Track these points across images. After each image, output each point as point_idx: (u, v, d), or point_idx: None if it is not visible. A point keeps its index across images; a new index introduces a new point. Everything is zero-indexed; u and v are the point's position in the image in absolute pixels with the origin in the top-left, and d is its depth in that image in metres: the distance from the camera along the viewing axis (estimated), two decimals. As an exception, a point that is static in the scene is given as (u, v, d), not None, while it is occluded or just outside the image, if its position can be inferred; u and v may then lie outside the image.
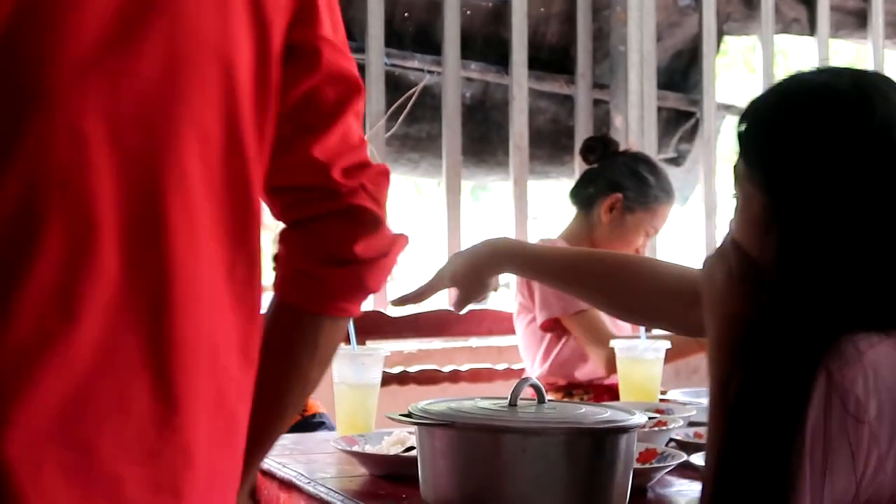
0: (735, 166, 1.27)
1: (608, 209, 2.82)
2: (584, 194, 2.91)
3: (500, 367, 3.18)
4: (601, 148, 2.92)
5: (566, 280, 1.76)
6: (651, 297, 1.67)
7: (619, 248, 2.78)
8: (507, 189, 3.77)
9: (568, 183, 4.00)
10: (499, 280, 1.86)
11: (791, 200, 1.17)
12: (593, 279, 1.73)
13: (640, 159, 2.93)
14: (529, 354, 2.92)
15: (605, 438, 1.44)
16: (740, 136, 1.26)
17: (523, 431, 1.43)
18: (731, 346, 1.21)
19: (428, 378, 3.08)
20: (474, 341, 3.57)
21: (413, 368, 3.09)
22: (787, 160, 1.19)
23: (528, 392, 1.52)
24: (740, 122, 1.27)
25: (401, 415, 1.52)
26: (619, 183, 2.83)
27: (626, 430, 1.45)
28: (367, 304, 3.38)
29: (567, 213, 3.02)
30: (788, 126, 1.21)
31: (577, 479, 1.42)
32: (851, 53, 6.92)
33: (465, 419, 1.46)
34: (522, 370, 3.12)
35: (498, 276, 1.85)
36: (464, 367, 3.14)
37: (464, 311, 1.91)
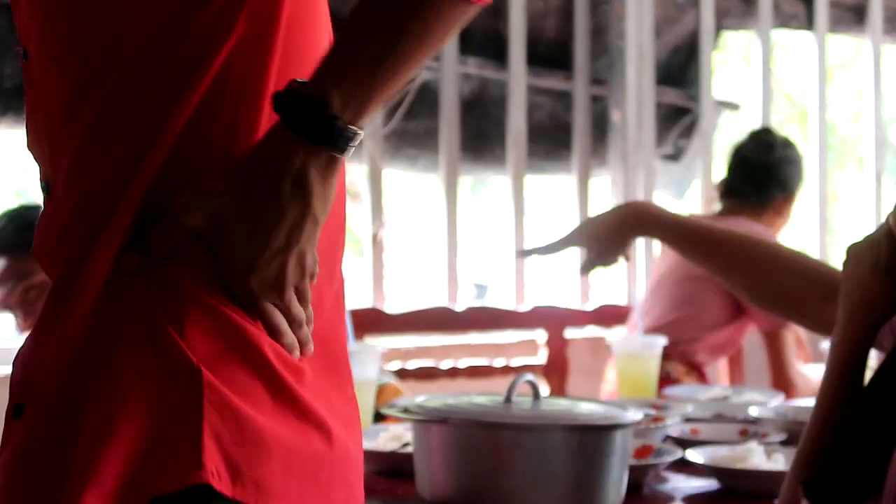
0: None
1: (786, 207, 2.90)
2: (757, 189, 2.93)
3: (499, 363, 3.18)
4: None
5: (706, 252, 1.72)
6: (790, 284, 1.64)
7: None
8: (506, 184, 3.77)
9: (566, 178, 4.00)
10: (633, 246, 1.83)
11: None
12: (735, 258, 1.68)
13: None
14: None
15: (600, 435, 1.45)
16: None
17: (518, 428, 1.44)
18: (861, 336, 1.21)
19: (426, 374, 3.08)
20: (473, 338, 3.57)
21: (411, 365, 3.08)
22: None
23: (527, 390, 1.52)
24: None
25: (397, 411, 1.53)
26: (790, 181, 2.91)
27: (621, 426, 1.45)
28: (366, 301, 3.39)
29: (567, 207, 3.02)
30: None
31: (573, 475, 1.43)
32: (850, 49, 6.92)
33: (460, 415, 1.46)
34: (521, 367, 3.12)
35: (634, 239, 1.82)
36: (462, 364, 3.14)
37: (588, 274, 1.90)
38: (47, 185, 1.03)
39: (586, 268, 1.87)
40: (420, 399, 1.56)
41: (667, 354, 2.55)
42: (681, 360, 2.79)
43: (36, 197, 1.22)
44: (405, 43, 0.97)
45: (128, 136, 0.96)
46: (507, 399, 1.49)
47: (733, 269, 1.70)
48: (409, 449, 1.67)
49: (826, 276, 1.58)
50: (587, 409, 1.51)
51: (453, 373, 3.10)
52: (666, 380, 2.63)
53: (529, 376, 1.53)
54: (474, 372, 3.11)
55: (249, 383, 0.94)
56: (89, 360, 0.93)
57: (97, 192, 0.96)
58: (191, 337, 0.93)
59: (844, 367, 1.23)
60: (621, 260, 1.88)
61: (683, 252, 1.76)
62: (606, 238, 1.82)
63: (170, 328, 0.92)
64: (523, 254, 1.97)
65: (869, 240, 1.26)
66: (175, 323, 0.93)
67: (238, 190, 0.95)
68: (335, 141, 0.95)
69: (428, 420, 1.47)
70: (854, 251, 1.27)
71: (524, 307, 3.37)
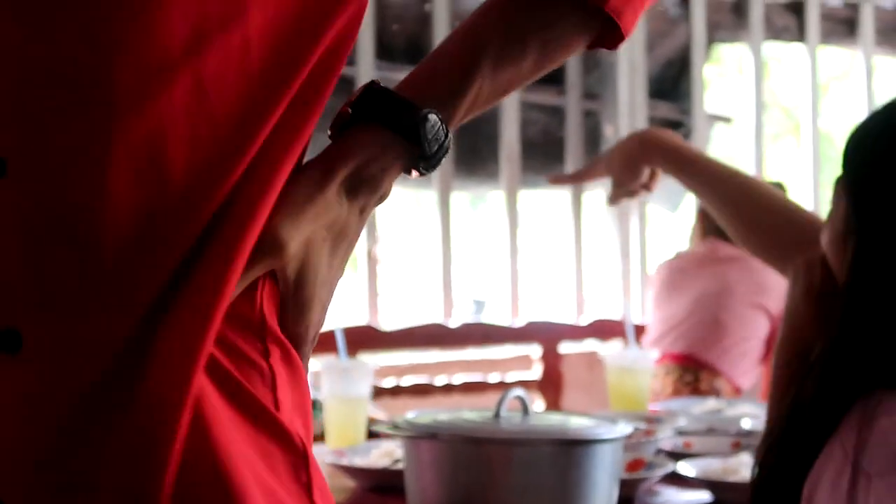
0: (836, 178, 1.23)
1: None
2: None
3: (493, 379, 3.18)
4: None
5: (704, 185, 1.67)
6: (777, 230, 1.60)
7: None
8: (500, 199, 3.77)
9: (559, 192, 4.01)
10: (656, 174, 1.79)
11: (871, 208, 1.13)
12: (729, 195, 1.62)
13: None
14: None
15: (589, 449, 1.44)
16: (845, 144, 1.22)
17: (508, 443, 1.43)
18: (792, 358, 1.20)
19: (420, 391, 3.07)
20: (468, 354, 3.58)
21: (406, 381, 3.08)
22: (874, 164, 1.15)
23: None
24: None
25: (387, 427, 1.52)
26: None
27: (610, 440, 1.45)
28: (361, 318, 3.39)
29: (561, 222, 3.03)
30: (883, 132, 1.17)
31: (563, 489, 1.42)
32: (842, 61, 6.94)
33: (449, 431, 1.46)
34: (516, 383, 3.12)
35: (645, 168, 1.78)
36: (456, 380, 3.14)
37: (615, 205, 1.89)
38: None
39: (611, 199, 1.87)
40: (410, 415, 1.55)
41: (717, 372, 2.65)
42: (728, 381, 2.88)
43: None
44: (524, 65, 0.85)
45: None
46: (497, 414, 1.49)
47: (726, 205, 1.67)
48: (401, 465, 1.66)
49: (812, 229, 1.55)
50: (577, 424, 1.51)
51: (448, 389, 3.10)
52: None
53: (519, 391, 1.52)
54: (469, 388, 3.11)
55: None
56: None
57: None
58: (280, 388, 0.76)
59: (779, 388, 1.24)
60: (644, 194, 1.85)
61: (683, 181, 1.73)
62: (620, 167, 1.80)
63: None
64: (553, 180, 1.94)
65: (809, 260, 1.25)
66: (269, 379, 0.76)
67: (328, 211, 0.78)
68: (435, 151, 0.82)
69: (418, 436, 1.47)
70: (795, 269, 1.26)
71: (518, 322, 3.37)
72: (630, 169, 1.78)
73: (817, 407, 1.12)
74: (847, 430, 1.07)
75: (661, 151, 1.74)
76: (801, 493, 1.10)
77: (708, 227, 3.01)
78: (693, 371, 2.88)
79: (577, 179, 1.96)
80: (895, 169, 1.13)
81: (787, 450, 1.14)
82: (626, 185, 1.81)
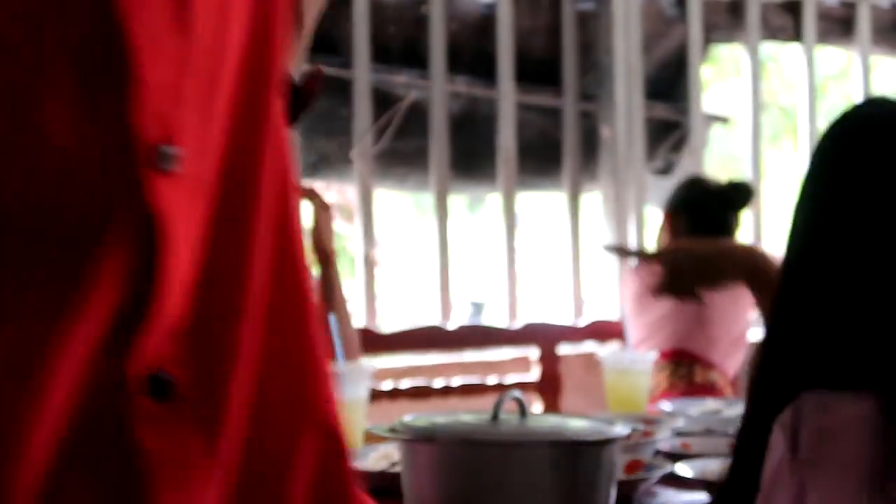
0: None
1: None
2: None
3: (491, 381, 3.17)
4: None
5: None
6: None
7: None
8: (497, 202, 3.77)
9: (557, 195, 4.00)
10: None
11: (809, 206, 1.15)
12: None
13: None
14: None
15: (586, 450, 1.44)
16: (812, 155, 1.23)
17: (504, 445, 1.43)
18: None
19: (419, 394, 3.07)
20: (466, 356, 3.57)
21: (404, 384, 3.08)
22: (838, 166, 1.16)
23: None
24: None
25: (383, 431, 1.52)
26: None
27: (607, 441, 1.44)
28: (359, 321, 3.38)
29: (558, 223, 3.03)
30: (836, 143, 1.18)
31: (560, 491, 1.42)
32: (839, 60, 6.93)
33: (446, 434, 1.45)
34: (514, 385, 3.12)
35: None
36: (455, 383, 3.13)
37: None
38: None
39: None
40: (407, 418, 1.55)
41: (710, 365, 2.66)
42: (721, 373, 2.90)
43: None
44: None
45: None
46: (494, 417, 1.49)
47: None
48: (398, 468, 1.66)
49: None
50: (574, 425, 1.51)
51: (446, 391, 3.10)
52: (711, 390, 2.75)
53: (517, 393, 1.52)
54: (467, 390, 3.11)
55: None
56: None
57: None
58: None
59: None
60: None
61: None
62: None
63: None
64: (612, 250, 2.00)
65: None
66: None
67: None
68: None
69: (414, 439, 1.46)
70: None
71: (516, 324, 3.36)
72: None
73: (757, 406, 1.15)
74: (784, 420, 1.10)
75: None
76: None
77: (678, 227, 3.01)
78: (686, 365, 2.89)
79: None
80: (859, 169, 1.14)
81: (742, 449, 1.17)
82: None
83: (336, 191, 6.95)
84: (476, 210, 13.21)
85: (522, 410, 1.53)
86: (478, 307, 10.20)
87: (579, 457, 1.44)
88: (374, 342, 3.02)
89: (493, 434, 1.45)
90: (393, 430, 1.49)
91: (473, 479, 1.41)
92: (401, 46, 3.66)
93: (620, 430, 1.48)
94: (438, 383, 3.13)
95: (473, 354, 3.57)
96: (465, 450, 1.43)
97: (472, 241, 12.34)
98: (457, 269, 3.74)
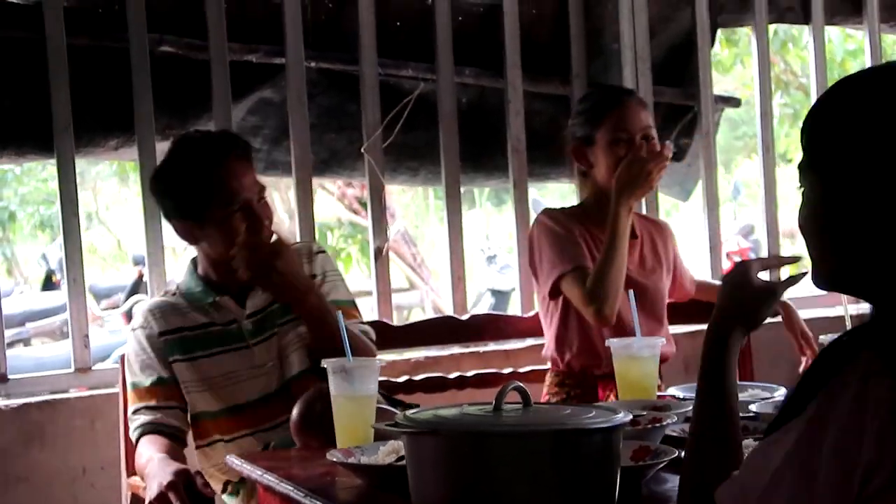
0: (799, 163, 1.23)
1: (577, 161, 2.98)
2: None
3: (507, 370, 3.18)
4: None
5: None
6: None
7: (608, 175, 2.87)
8: (508, 191, 3.77)
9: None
10: None
11: (845, 179, 1.14)
12: None
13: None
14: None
15: (589, 439, 1.45)
16: (802, 130, 1.22)
17: (507, 435, 1.44)
18: None
19: (434, 385, 3.08)
20: (482, 346, 3.58)
21: (419, 377, 3.09)
22: (838, 137, 1.16)
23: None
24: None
25: (387, 424, 1.53)
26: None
27: (609, 429, 1.45)
28: (371, 314, 3.39)
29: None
30: (841, 102, 1.17)
31: (563, 480, 1.43)
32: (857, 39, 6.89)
33: (449, 426, 1.47)
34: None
35: None
36: (469, 373, 3.14)
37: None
38: None
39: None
40: (411, 412, 1.56)
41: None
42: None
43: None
44: None
45: None
46: (497, 408, 1.50)
47: None
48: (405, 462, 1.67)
49: None
50: (576, 414, 1.52)
51: (461, 382, 3.10)
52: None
53: (517, 384, 1.53)
54: (482, 381, 3.11)
55: None
56: None
57: None
58: None
59: None
60: None
61: None
62: None
63: None
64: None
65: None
66: None
67: None
68: None
69: (418, 432, 1.48)
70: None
71: (530, 313, 3.36)
72: None
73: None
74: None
75: None
76: None
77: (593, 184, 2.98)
78: None
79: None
80: (859, 137, 1.14)
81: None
82: None
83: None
84: (487, 199, 13.21)
85: (525, 401, 1.54)
86: (499, 295, 10.21)
87: (582, 445, 1.45)
88: (387, 336, 3.02)
89: (495, 425, 1.46)
90: (397, 423, 1.51)
91: (476, 470, 1.43)
92: (407, 40, 3.66)
93: (622, 417, 1.49)
94: (453, 374, 3.14)
95: (490, 345, 3.57)
96: (469, 441, 1.44)
97: (486, 231, 12.34)
98: (471, 259, 3.75)
